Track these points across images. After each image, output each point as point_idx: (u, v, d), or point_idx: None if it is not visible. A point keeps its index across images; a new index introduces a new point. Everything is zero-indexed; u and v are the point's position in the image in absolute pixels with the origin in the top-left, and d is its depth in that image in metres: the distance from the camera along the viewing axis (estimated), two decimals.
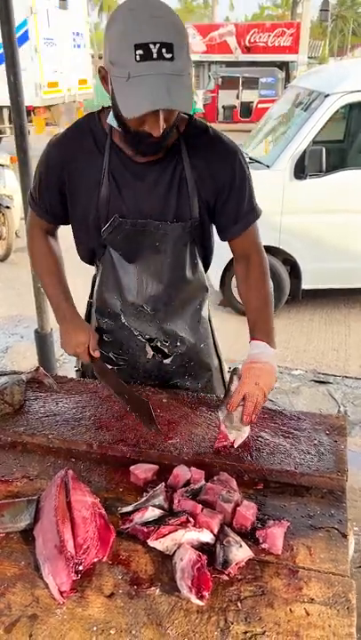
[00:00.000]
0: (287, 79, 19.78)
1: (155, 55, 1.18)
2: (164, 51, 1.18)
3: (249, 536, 1.16)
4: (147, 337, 1.69)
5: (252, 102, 19.31)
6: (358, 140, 5.51)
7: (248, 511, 1.18)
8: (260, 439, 1.45)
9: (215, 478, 1.29)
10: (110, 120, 1.41)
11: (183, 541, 1.11)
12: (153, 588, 1.06)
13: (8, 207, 6.24)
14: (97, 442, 1.44)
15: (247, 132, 6.36)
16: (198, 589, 1.02)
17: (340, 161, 5.11)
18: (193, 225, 1.53)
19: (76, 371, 1.94)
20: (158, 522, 1.15)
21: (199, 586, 1.03)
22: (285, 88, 7.86)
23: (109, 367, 1.71)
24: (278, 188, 4.60)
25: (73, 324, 1.64)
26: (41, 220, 1.66)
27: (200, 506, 1.18)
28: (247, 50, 22.19)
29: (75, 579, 1.06)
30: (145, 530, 1.14)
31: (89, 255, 1.67)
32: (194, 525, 1.14)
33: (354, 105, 4.97)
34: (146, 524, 1.16)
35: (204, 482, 1.27)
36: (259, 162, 4.96)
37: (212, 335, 1.84)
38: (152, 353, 1.71)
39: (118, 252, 1.57)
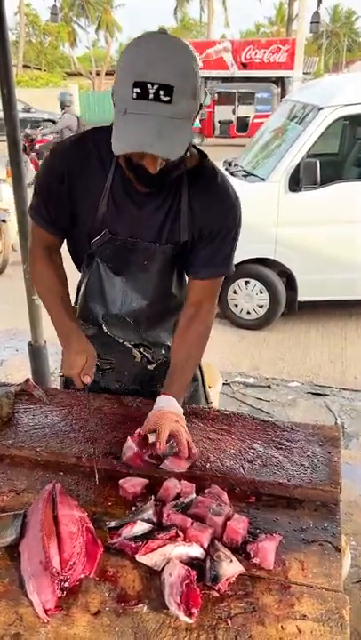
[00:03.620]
0: (283, 94, 19.97)
1: (151, 96, 1.17)
2: (161, 93, 1.17)
3: (240, 550, 1.13)
4: (132, 343, 1.71)
5: (249, 117, 19.49)
6: (352, 153, 5.54)
7: (239, 525, 1.15)
8: (252, 451, 1.43)
9: (206, 491, 1.26)
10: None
11: (172, 556, 1.08)
12: (140, 606, 1.03)
13: (4, 221, 6.25)
14: (86, 455, 1.42)
15: (244, 146, 6.39)
16: (187, 606, 0.99)
17: (335, 173, 5.13)
18: (180, 247, 1.53)
19: (61, 376, 1.89)
20: (147, 536, 1.12)
21: (188, 602, 0.99)
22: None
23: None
24: (273, 200, 4.62)
25: (75, 346, 1.53)
26: (45, 233, 1.58)
27: (190, 520, 1.15)
28: (243, 66, 22.43)
29: (60, 596, 1.03)
30: (133, 545, 1.11)
31: (78, 261, 1.66)
32: (183, 540, 1.11)
33: (348, 118, 5.01)
34: (134, 538, 1.13)
35: (194, 495, 1.24)
36: (254, 175, 4.98)
37: None
38: (140, 356, 1.72)
39: (106, 264, 1.57)
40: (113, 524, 1.18)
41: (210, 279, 1.57)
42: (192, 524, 1.14)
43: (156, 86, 1.17)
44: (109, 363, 1.74)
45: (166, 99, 1.18)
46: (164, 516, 1.17)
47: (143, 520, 1.16)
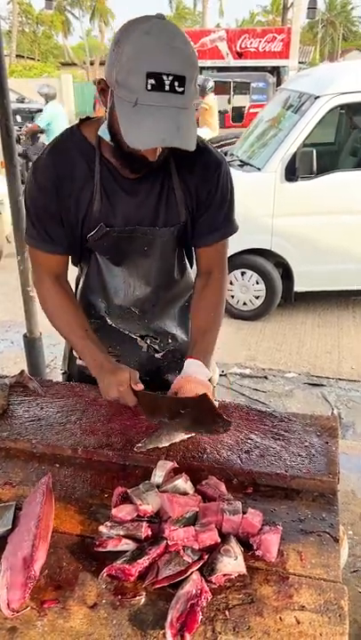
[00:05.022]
0: (278, 84, 19.85)
1: (167, 87, 1.16)
2: (176, 84, 1.17)
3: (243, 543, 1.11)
4: (137, 334, 1.70)
5: (244, 107, 19.38)
6: (349, 142, 5.51)
7: (255, 518, 1.13)
8: (249, 441, 1.42)
9: (204, 482, 1.25)
10: (102, 133, 1.37)
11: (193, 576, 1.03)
12: (138, 598, 1.02)
13: None
14: (82, 446, 1.40)
15: (238, 137, 6.35)
16: (181, 627, 0.94)
17: (331, 163, 5.10)
18: (180, 228, 1.53)
19: (63, 374, 1.89)
20: (140, 554, 1.06)
21: (184, 623, 0.95)
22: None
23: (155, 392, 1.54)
24: (270, 190, 4.59)
25: (109, 369, 1.48)
26: (49, 256, 1.53)
27: (192, 528, 1.10)
28: (239, 55, 22.26)
29: (28, 598, 1.00)
30: (126, 568, 1.04)
31: (76, 258, 1.65)
32: (175, 549, 1.07)
33: (344, 106, 4.97)
34: (125, 560, 1.06)
35: (196, 508, 1.17)
36: (250, 164, 4.95)
37: None
38: (146, 346, 1.72)
39: (104, 256, 1.55)
40: (104, 530, 1.13)
41: (216, 243, 1.57)
42: (196, 532, 1.10)
43: (171, 77, 1.16)
44: (114, 355, 1.69)
45: (180, 90, 1.17)
46: (166, 533, 1.10)
47: (127, 537, 1.11)
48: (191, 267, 1.71)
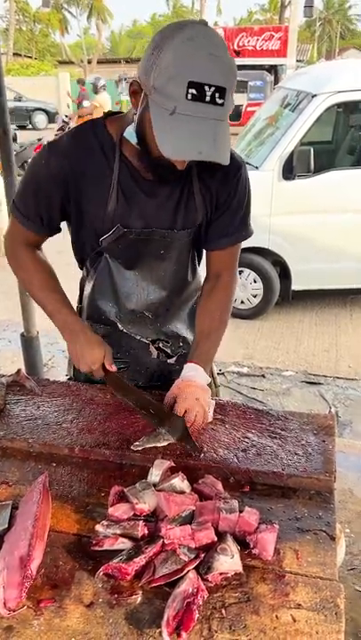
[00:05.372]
0: (276, 82, 19.84)
1: (207, 98, 1.15)
2: (217, 95, 1.15)
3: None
4: (149, 339, 1.68)
5: (242, 105, 19.36)
6: (346, 140, 5.52)
7: (251, 517, 1.13)
8: (246, 440, 1.42)
9: (200, 481, 1.25)
10: (129, 135, 1.35)
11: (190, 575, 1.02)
12: (134, 597, 1.02)
13: None
14: (79, 446, 1.40)
15: (236, 134, 6.35)
16: (178, 625, 0.94)
17: (328, 161, 5.11)
18: (196, 231, 1.53)
19: (68, 379, 1.85)
20: (136, 553, 1.06)
21: (180, 622, 0.95)
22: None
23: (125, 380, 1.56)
24: (267, 188, 4.59)
25: (86, 340, 1.49)
26: (29, 232, 1.51)
27: (188, 527, 1.10)
28: (236, 54, 22.22)
29: (24, 597, 1.00)
30: (122, 567, 1.04)
31: (83, 260, 1.63)
32: (172, 548, 1.07)
33: (341, 105, 4.98)
34: (121, 559, 1.06)
35: (193, 507, 1.17)
36: (247, 163, 4.94)
37: None
38: (156, 352, 1.70)
39: (116, 260, 1.53)
40: (100, 529, 1.13)
41: (231, 246, 1.57)
42: (192, 530, 1.10)
43: (212, 88, 1.14)
44: (123, 362, 1.68)
45: (220, 101, 1.16)
46: (163, 531, 1.09)
47: (124, 535, 1.10)
48: (199, 265, 1.70)
